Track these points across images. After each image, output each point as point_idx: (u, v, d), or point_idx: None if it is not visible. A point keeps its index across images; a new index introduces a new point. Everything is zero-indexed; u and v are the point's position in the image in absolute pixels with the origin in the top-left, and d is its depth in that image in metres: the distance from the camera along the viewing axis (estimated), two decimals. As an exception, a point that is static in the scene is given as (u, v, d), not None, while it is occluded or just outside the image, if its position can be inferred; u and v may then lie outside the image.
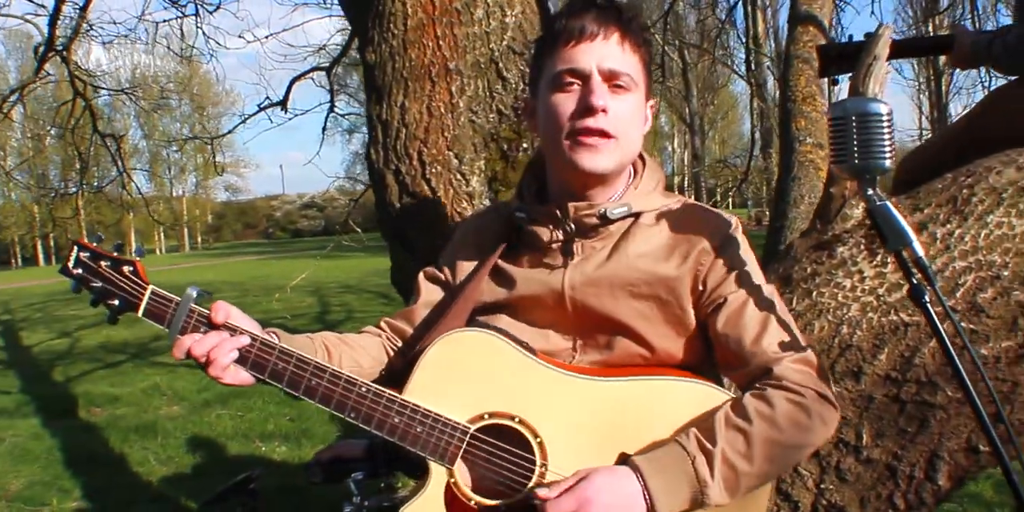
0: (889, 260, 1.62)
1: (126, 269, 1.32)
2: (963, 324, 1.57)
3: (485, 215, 1.49)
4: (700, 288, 1.29)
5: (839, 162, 1.19)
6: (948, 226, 1.62)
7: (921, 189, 1.69)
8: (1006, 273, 1.58)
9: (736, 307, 1.26)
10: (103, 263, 1.33)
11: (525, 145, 1.89)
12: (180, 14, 5.12)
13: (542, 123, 1.31)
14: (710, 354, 1.32)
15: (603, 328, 1.31)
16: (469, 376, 1.24)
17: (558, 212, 1.31)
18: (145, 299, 1.30)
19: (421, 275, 1.48)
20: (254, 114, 5.65)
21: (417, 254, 1.89)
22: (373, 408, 1.24)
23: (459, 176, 1.86)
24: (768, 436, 1.16)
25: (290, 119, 5.73)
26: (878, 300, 1.61)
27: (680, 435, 1.18)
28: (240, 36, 5.66)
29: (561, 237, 1.32)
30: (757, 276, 1.30)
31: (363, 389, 1.25)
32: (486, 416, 1.24)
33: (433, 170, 1.86)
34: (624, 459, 1.17)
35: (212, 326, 1.27)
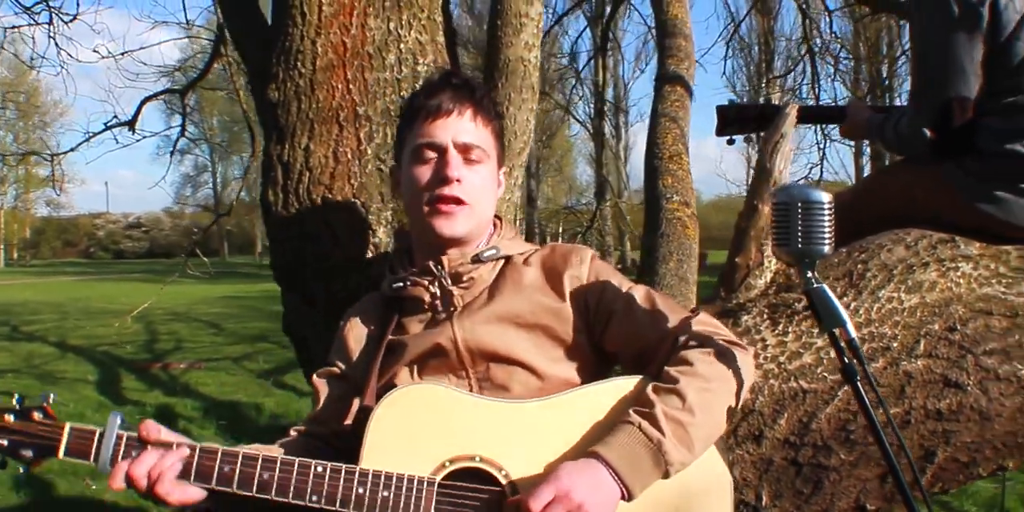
0: (790, 330, 1.69)
1: (36, 415, 1.23)
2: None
3: (362, 305, 1.53)
4: (585, 308, 1.38)
5: (781, 245, 1.23)
6: (845, 298, 1.71)
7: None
8: (895, 344, 1.67)
9: (624, 313, 1.36)
10: (8, 418, 1.23)
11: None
12: (32, 21, 4.74)
13: (404, 192, 1.44)
14: (600, 373, 1.38)
15: (497, 366, 1.34)
16: (419, 429, 1.23)
17: (432, 266, 1.40)
18: (64, 439, 1.22)
19: (316, 378, 1.48)
20: (101, 132, 5.30)
21: (317, 304, 1.78)
22: (334, 485, 1.20)
23: (364, 225, 1.78)
24: (697, 386, 1.22)
25: (138, 140, 5.40)
26: (779, 367, 1.67)
27: (624, 415, 1.22)
28: (95, 50, 5.26)
29: (439, 292, 1.39)
30: (626, 283, 1.42)
31: (319, 468, 1.21)
32: (447, 464, 1.23)
33: (338, 218, 1.77)
34: (587, 452, 1.19)
35: (143, 447, 1.21)
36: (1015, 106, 1.71)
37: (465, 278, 1.40)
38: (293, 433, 1.44)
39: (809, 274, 1.22)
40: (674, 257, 3.45)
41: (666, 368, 1.27)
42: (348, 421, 1.40)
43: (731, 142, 2.17)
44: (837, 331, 1.21)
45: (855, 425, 1.65)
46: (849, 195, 1.94)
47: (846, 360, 1.21)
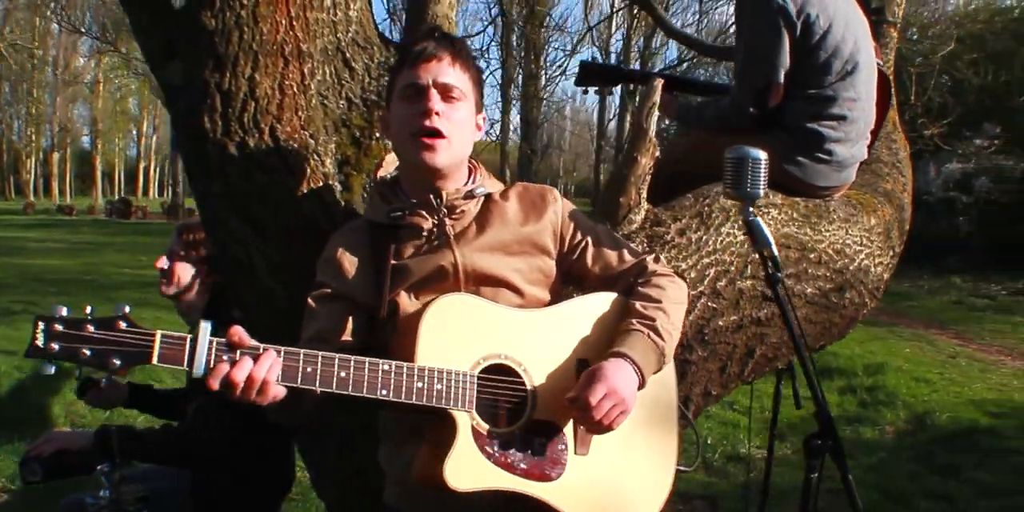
0: (663, 256, 2.13)
1: (121, 324, 1.24)
2: (709, 304, 2.16)
3: (347, 232, 1.66)
4: (561, 239, 1.67)
5: (733, 188, 1.65)
6: (698, 233, 2.20)
7: (676, 203, 2.25)
8: (732, 268, 2.21)
9: (594, 244, 1.68)
10: (89, 327, 1.23)
11: (377, 134, 1.98)
12: None
13: (393, 130, 1.62)
14: (561, 292, 1.69)
15: (487, 287, 1.59)
16: (457, 332, 1.45)
17: (432, 199, 1.59)
18: (157, 345, 1.25)
19: (311, 300, 1.58)
20: None
21: (267, 232, 1.85)
22: (399, 380, 1.37)
23: (316, 156, 1.88)
24: (671, 305, 1.61)
25: None
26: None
27: (625, 324, 1.56)
28: None
29: (436, 222, 1.59)
30: (588, 220, 1.73)
31: (385, 366, 1.38)
32: (480, 361, 1.46)
33: (290, 147, 1.85)
34: (612, 353, 1.51)
35: (233, 351, 1.29)
36: (815, 96, 2.33)
37: (458, 211, 1.60)
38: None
39: (751, 209, 1.66)
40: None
41: (643, 289, 1.62)
42: (347, 337, 1.54)
43: (585, 92, 2.65)
44: (764, 251, 1.66)
45: (708, 329, 2.16)
46: (683, 149, 2.46)
47: (769, 270, 1.67)
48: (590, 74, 2.64)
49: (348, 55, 1.99)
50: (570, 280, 1.72)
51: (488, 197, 1.65)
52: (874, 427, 5.60)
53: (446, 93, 1.56)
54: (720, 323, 2.17)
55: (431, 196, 1.59)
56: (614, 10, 18.83)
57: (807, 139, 2.32)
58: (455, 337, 1.45)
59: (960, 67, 12.50)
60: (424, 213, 1.59)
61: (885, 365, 7.11)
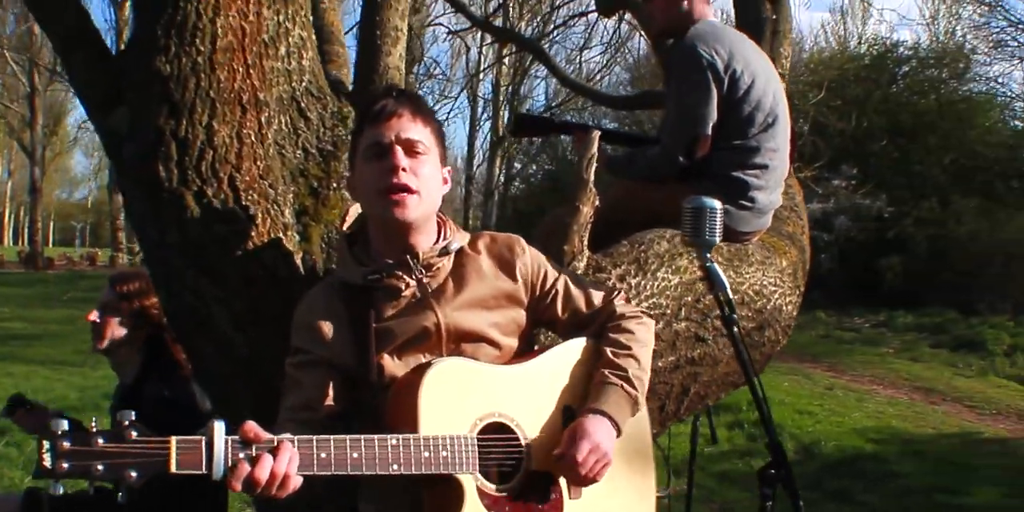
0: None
1: (131, 433, 1.17)
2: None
3: (318, 295, 1.65)
4: (532, 289, 1.71)
5: (693, 237, 1.75)
6: (637, 279, 2.31)
7: (614, 251, 2.35)
8: (668, 311, 2.32)
9: (564, 290, 1.73)
10: (98, 441, 1.16)
11: (335, 185, 1.98)
12: None
13: (361, 190, 1.62)
14: (530, 337, 1.74)
15: (468, 343, 1.62)
16: (456, 396, 1.49)
17: (409, 259, 1.60)
18: (174, 453, 1.19)
19: (291, 367, 1.58)
20: None
21: (227, 282, 1.82)
22: (407, 453, 1.39)
23: (275, 206, 1.87)
24: (641, 349, 1.68)
25: None
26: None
27: (600, 375, 1.63)
28: None
29: (413, 282, 1.61)
30: (553, 266, 1.76)
31: (394, 441, 1.39)
32: (477, 422, 1.50)
33: (249, 197, 1.83)
34: (591, 409, 1.57)
35: (248, 447, 1.26)
36: (740, 147, 2.49)
37: (434, 268, 1.62)
38: (287, 423, 1.49)
39: (708, 255, 1.77)
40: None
41: (613, 335, 1.69)
42: (331, 402, 1.54)
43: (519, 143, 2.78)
44: (720, 294, 1.77)
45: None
46: (616, 196, 2.58)
47: (725, 313, 1.78)
48: (525, 125, 2.76)
49: (303, 104, 2.00)
50: (540, 324, 1.78)
51: (459, 250, 1.67)
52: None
53: (411, 148, 1.57)
54: (659, 364, 2.27)
55: (407, 256, 1.59)
56: (482, 54, 19.25)
57: (732, 187, 2.48)
58: (453, 402, 1.48)
59: (825, 112, 13.43)
60: (402, 274, 1.60)
61: (768, 399, 7.42)
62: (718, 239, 1.78)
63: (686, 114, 2.47)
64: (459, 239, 1.67)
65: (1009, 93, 19.77)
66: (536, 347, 1.78)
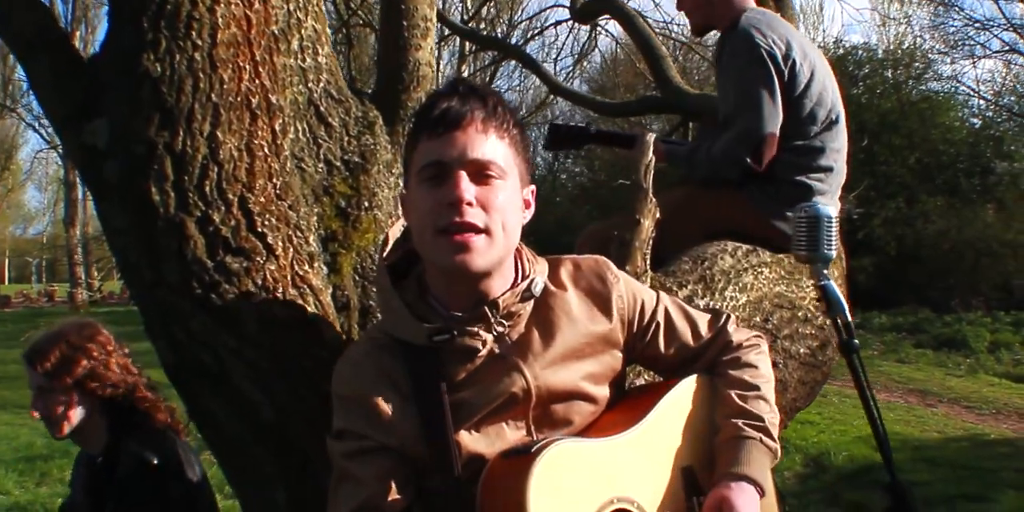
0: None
1: None
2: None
3: (370, 358, 1.29)
4: (631, 325, 1.37)
5: (807, 251, 1.47)
6: (705, 299, 2.02)
7: (676, 270, 2.06)
8: (743, 336, 2.03)
9: (666, 322, 1.41)
10: None
11: (366, 203, 1.65)
12: None
13: (414, 220, 1.26)
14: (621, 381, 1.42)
15: (559, 404, 1.30)
16: (568, 490, 1.18)
17: (488, 312, 1.25)
18: None
19: (345, 460, 1.24)
20: None
21: (243, 329, 1.47)
22: None
23: (298, 232, 1.54)
24: (767, 387, 1.39)
25: None
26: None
27: (731, 427, 1.33)
28: None
29: (492, 338, 1.26)
30: (648, 291, 1.43)
31: None
32: None
33: (266, 222, 1.50)
34: (732, 475, 1.29)
35: None
36: (803, 148, 2.21)
37: (515, 317, 1.27)
38: None
39: (825, 271, 1.48)
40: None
41: (734, 373, 1.39)
42: (396, 496, 1.22)
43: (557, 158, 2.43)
44: (839, 317, 1.49)
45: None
46: (665, 212, 2.28)
47: (844, 338, 1.49)
48: (560, 137, 2.36)
49: (322, 109, 1.67)
50: (637, 362, 1.48)
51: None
52: (793, 471, 5.63)
53: (481, 171, 1.21)
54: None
55: (484, 307, 1.24)
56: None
57: (795, 193, 2.20)
58: (566, 497, 1.17)
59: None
60: (477, 330, 1.25)
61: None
62: (835, 253, 1.50)
63: (750, 110, 2.18)
64: (540, 273, 1.31)
65: (968, 91, 19.96)
66: (627, 384, 1.48)
